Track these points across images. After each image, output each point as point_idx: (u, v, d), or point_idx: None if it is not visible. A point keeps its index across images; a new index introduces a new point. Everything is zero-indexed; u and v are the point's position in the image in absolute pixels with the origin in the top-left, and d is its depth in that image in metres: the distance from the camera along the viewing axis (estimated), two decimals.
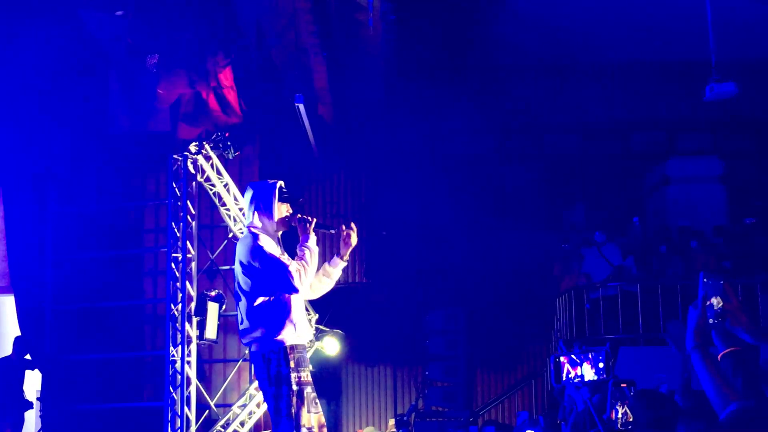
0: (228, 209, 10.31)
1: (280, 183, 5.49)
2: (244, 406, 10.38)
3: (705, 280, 2.91)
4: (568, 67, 14.80)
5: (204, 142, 10.05)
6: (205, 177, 10.16)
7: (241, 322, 5.42)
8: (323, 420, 5.37)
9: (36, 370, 10.87)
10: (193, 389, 9.68)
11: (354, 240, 5.58)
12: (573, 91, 14.85)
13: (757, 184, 14.95)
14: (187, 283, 9.83)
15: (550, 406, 12.62)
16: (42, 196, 10.89)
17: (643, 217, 14.11)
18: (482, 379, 14.95)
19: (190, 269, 9.94)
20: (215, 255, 10.64)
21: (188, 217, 10.01)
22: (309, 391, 5.29)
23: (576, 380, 4.92)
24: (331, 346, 11.20)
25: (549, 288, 13.85)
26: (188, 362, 9.66)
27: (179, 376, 9.56)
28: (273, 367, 5.26)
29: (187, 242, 9.93)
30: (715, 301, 2.89)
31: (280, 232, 5.51)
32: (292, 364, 5.25)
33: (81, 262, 10.74)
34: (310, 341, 10.90)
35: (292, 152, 13.20)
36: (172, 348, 9.63)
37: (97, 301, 10.67)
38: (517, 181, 14.89)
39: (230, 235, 10.35)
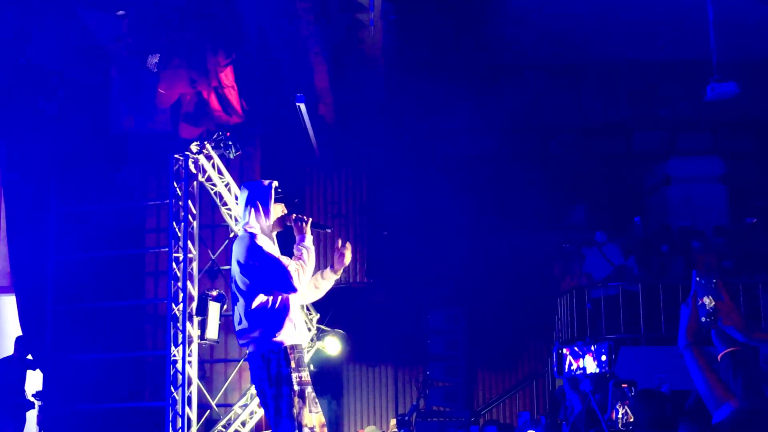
0: (229, 209, 10.31)
1: (275, 183, 5.50)
2: (246, 405, 10.38)
3: (698, 279, 2.92)
4: (569, 66, 14.79)
5: (205, 142, 10.05)
6: (206, 177, 10.16)
7: (239, 323, 5.40)
8: (323, 420, 5.37)
9: (37, 370, 10.88)
10: (194, 389, 9.69)
11: (348, 260, 5.59)
12: (574, 90, 14.85)
13: (757, 183, 14.95)
14: (189, 282, 9.83)
15: (551, 406, 12.63)
16: (43, 195, 10.91)
17: (644, 217, 14.10)
18: (483, 378, 14.95)
19: (192, 269, 9.94)
20: (216, 255, 10.65)
21: (189, 216, 10.01)
22: (310, 390, 5.30)
23: (578, 372, 4.92)
24: (333, 345, 11.20)
25: (550, 288, 13.85)
26: (189, 362, 9.66)
27: (180, 376, 9.56)
28: (273, 367, 5.25)
29: (189, 242, 9.93)
30: (708, 300, 2.89)
31: (275, 233, 5.51)
32: (293, 364, 5.25)
33: (82, 261, 10.75)
34: (311, 341, 10.91)
35: (293, 152, 13.20)
36: (173, 348, 9.63)
37: (99, 301, 10.68)
38: (518, 181, 14.88)
39: (231, 235, 10.34)
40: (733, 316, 2.89)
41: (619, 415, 4.41)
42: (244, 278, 5.33)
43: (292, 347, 5.29)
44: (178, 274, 9.81)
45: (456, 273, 14.56)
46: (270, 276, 5.25)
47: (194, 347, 9.78)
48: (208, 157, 10.15)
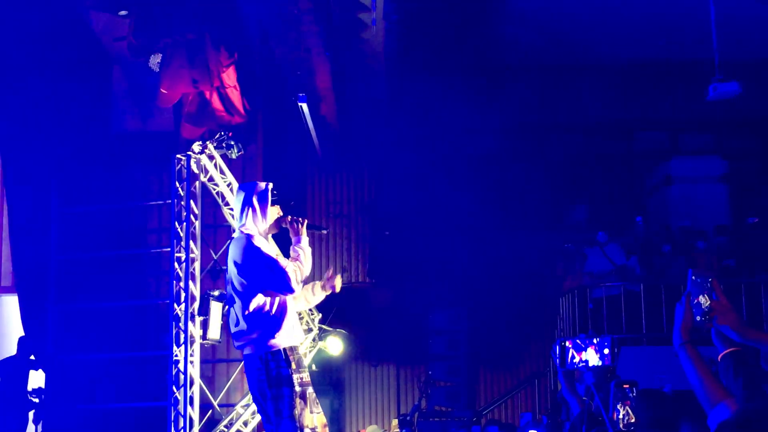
0: (231, 209, 10.31)
1: (270, 185, 5.50)
2: (248, 405, 10.38)
3: (693, 278, 2.91)
4: (571, 66, 14.78)
5: (207, 142, 10.05)
6: (208, 177, 10.17)
7: (236, 324, 5.37)
8: (325, 420, 5.38)
9: (39, 370, 10.89)
10: (196, 389, 9.69)
11: (338, 288, 5.62)
12: (576, 90, 14.84)
13: (759, 183, 14.94)
14: (191, 282, 9.83)
15: (553, 406, 12.63)
16: (46, 196, 10.92)
17: (646, 217, 14.09)
18: (485, 378, 14.95)
19: (194, 269, 9.95)
20: (218, 255, 10.65)
21: (191, 216, 10.01)
22: (311, 391, 5.30)
23: (580, 365, 4.92)
24: (335, 345, 11.21)
25: (552, 288, 13.84)
26: (191, 362, 9.66)
27: (182, 376, 9.56)
28: (272, 368, 5.23)
29: (191, 242, 9.93)
30: (703, 300, 2.89)
31: (270, 234, 5.52)
32: (293, 365, 5.24)
33: (84, 262, 10.76)
34: (313, 341, 10.92)
35: (295, 152, 13.22)
36: (175, 348, 9.64)
37: (101, 301, 10.69)
38: (520, 181, 14.88)
39: (233, 235, 10.34)
40: (729, 315, 2.88)
41: (620, 416, 4.41)
42: (241, 279, 5.31)
43: (291, 348, 5.28)
44: (180, 274, 9.82)
45: (458, 273, 14.56)
46: (267, 276, 5.24)
47: (196, 347, 9.78)
48: (210, 157, 10.15)
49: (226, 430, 10.29)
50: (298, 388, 5.21)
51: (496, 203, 14.55)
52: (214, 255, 10.71)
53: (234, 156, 10.21)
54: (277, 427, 5.23)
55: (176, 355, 9.63)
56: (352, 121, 13.54)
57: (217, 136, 10.14)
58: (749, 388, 2.85)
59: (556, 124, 15.33)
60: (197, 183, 10.10)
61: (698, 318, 2.88)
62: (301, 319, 10.93)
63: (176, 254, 9.86)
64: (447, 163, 14.81)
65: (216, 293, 10.05)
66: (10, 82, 10.18)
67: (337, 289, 5.61)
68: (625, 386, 4.44)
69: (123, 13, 10.22)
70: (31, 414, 10.89)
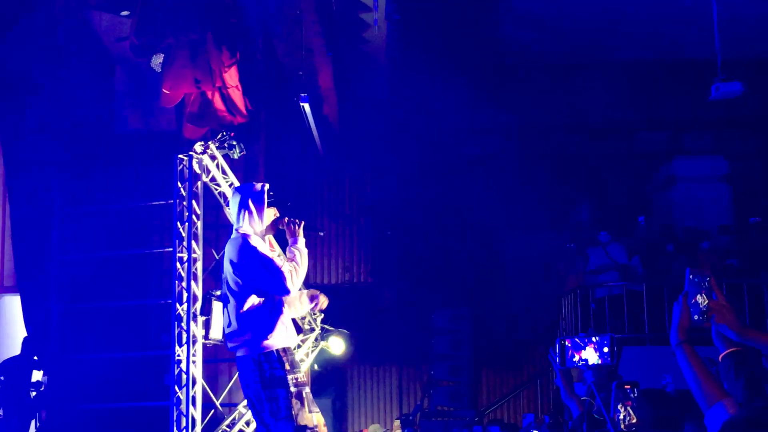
0: None
1: (267, 186, 5.49)
2: None
3: (691, 277, 2.91)
4: (573, 66, 14.78)
5: (209, 142, 10.05)
6: (210, 177, 10.17)
7: (228, 325, 5.34)
8: (323, 419, 5.37)
9: (42, 371, 10.90)
10: (198, 389, 9.69)
11: (323, 306, 5.68)
12: (578, 90, 14.83)
13: (762, 183, 14.94)
14: (193, 282, 9.83)
15: (555, 406, 12.63)
16: (48, 195, 10.93)
17: (648, 217, 14.08)
18: (488, 378, 14.94)
19: (196, 269, 9.95)
20: (220, 255, 10.62)
21: (193, 217, 10.01)
22: (307, 391, 5.29)
23: (580, 364, 4.91)
24: (337, 345, 11.21)
25: (554, 287, 13.84)
26: (194, 362, 9.67)
27: (185, 376, 9.56)
28: (266, 369, 5.21)
29: (193, 242, 9.93)
30: (701, 299, 2.88)
31: (267, 236, 5.51)
32: (287, 366, 5.23)
33: (86, 261, 10.77)
34: (315, 340, 10.92)
35: (297, 152, 13.22)
36: (177, 348, 9.64)
37: (103, 300, 10.70)
38: (522, 181, 14.87)
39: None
40: (727, 315, 2.87)
41: (621, 416, 4.40)
42: (236, 278, 5.29)
43: (285, 350, 5.27)
44: (183, 274, 9.82)
45: (460, 272, 14.56)
46: (263, 276, 5.23)
47: (198, 347, 9.78)
48: (212, 158, 10.15)
49: (228, 429, 10.29)
50: (293, 389, 5.20)
51: (498, 203, 14.56)
52: (216, 255, 10.70)
53: (236, 156, 10.21)
54: (274, 427, 5.21)
55: (178, 355, 9.63)
56: (354, 121, 13.54)
57: (219, 136, 10.14)
58: (751, 389, 2.84)
59: (558, 124, 15.33)
60: (199, 183, 10.10)
61: (696, 317, 2.87)
62: (303, 318, 10.93)
63: (178, 254, 9.86)
64: (449, 162, 14.81)
65: (218, 293, 10.05)
66: (12, 83, 10.18)
67: (322, 307, 5.68)
68: (626, 387, 4.43)
69: (125, 13, 10.23)
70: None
